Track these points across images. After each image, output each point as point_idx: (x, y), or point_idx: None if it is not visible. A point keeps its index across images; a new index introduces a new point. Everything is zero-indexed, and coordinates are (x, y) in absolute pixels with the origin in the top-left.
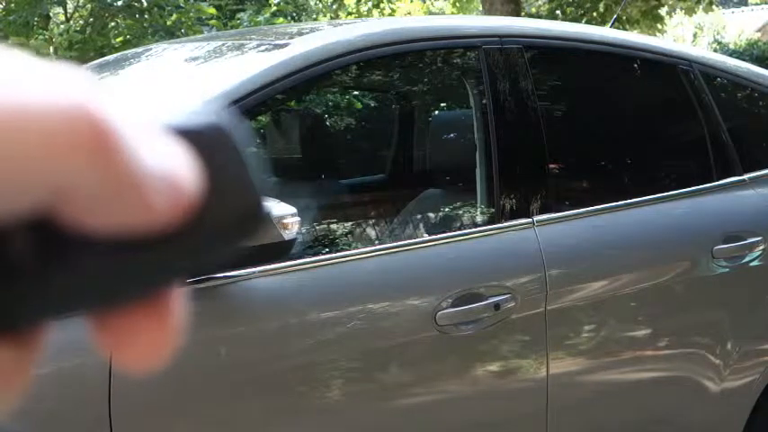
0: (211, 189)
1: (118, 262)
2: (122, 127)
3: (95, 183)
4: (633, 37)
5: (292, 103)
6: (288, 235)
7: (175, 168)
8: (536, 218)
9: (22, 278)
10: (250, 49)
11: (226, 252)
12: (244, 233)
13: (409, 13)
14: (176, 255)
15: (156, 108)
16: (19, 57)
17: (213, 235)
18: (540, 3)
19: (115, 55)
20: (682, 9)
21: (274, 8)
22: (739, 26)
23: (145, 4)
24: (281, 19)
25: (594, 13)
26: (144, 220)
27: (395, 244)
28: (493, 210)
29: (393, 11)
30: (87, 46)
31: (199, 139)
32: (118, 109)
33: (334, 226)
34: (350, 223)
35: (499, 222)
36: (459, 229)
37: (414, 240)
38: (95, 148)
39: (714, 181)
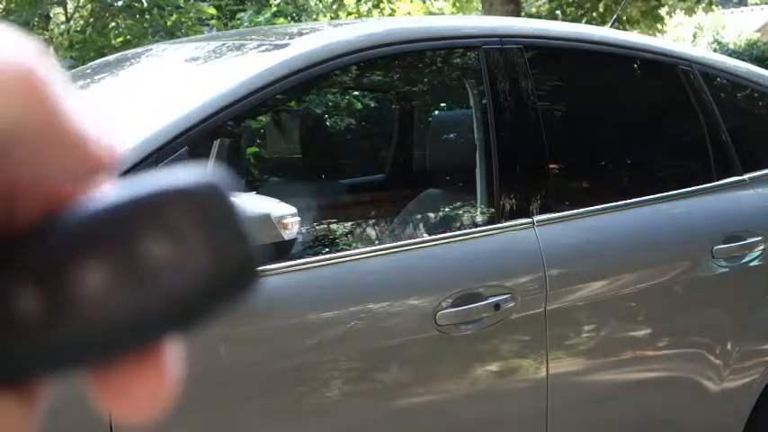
0: (206, 245)
1: (113, 314)
2: (50, 74)
3: (34, 123)
4: (633, 37)
5: (292, 104)
6: (288, 235)
7: (102, 126)
8: (536, 218)
9: (18, 329)
10: (250, 50)
11: (219, 307)
12: (236, 288)
13: (409, 13)
14: (172, 310)
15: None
16: None
17: (206, 290)
18: (540, 3)
19: (115, 55)
20: (682, 9)
21: (275, 8)
22: (739, 26)
23: (145, 4)
24: (281, 19)
25: (594, 13)
26: (83, 165)
27: (395, 244)
28: (493, 210)
29: (393, 11)
30: (87, 46)
31: (190, 195)
32: (44, 60)
33: (334, 226)
34: (350, 223)
35: (499, 222)
36: (459, 229)
37: (414, 240)
38: (29, 89)
39: (714, 181)
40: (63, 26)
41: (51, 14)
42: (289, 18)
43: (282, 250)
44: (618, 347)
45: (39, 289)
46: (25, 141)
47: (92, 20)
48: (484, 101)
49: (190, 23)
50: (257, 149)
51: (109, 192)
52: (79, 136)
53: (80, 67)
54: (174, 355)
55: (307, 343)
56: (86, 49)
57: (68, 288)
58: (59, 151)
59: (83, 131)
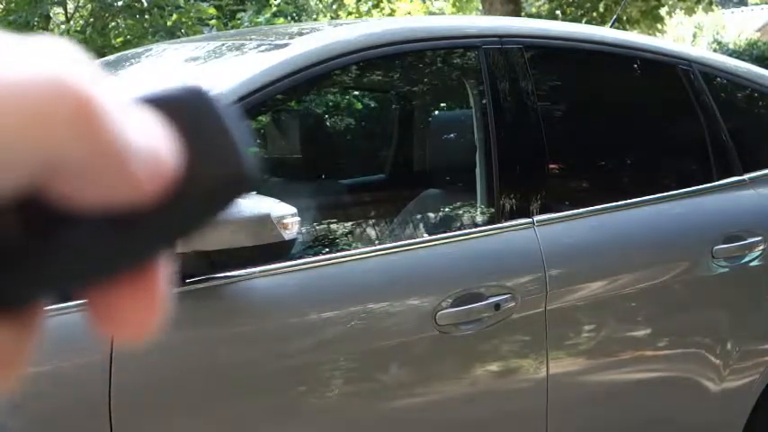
0: (193, 155)
1: (105, 236)
2: (105, 100)
3: (81, 155)
4: (633, 37)
5: (292, 104)
6: (288, 235)
7: (156, 141)
8: (536, 218)
9: (14, 256)
10: (250, 50)
11: (212, 218)
12: (229, 198)
13: (409, 13)
14: (162, 226)
15: (135, 84)
16: None
17: (198, 202)
18: (540, 3)
19: (115, 55)
20: (682, 9)
21: (275, 9)
22: (739, 26)
23: (145, 4)
24: (281, 19)
25: (594, 13)
26: (128, 192)
27: (395, 244)
28: (493, 210)
29: (393, 11)
30: (87, 46)
31: (177, 105)
32: (100, 83)
33: (334, 226)
34: (350, 223)
35: (499, 222)
36: (460, 229)
37: (414, 240)
38: (80, 119)
39: (714, 181)
40: (63, 26)
41: (51, 14)
42: (289, 18)
43: (282, 250)
44: (618, 347)
45: (25, 214)
46: (70, 169)
47: (92, 20)
48: (484, 101)
49: (190, 23)
50: (257, 149)
51: None
52: (127, 166)
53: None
54: (165, 271)
55: (307, 343)
56: (86, 49)
57: (56, 210)
58: (105, 180)
59: (131, 160)
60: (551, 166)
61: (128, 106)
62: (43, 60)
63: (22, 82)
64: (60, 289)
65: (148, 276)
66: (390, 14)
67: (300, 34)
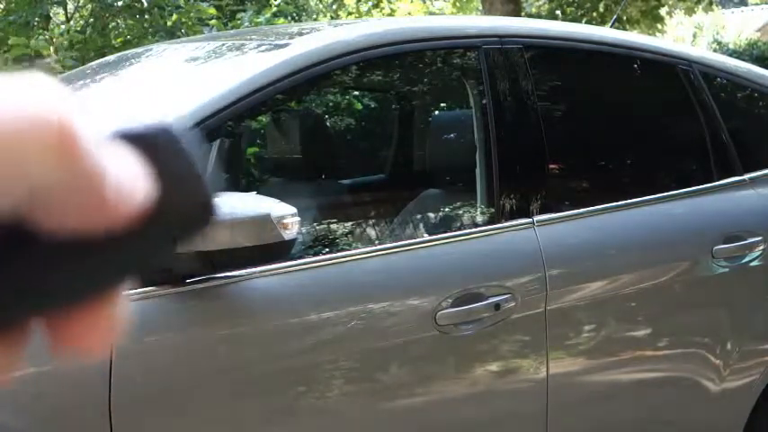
0: (162, 186)
1: (75, 261)
2: (84, 133)
3: (60, 182)
4: (633, 37)
5: (293, 104)
6: (288, 235)
7: (129, 172)
8: (536, 218)
9: None
10: (250, 50)
11: (176, 246)
12: (194, 227)
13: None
14: (130, 252)
15: (108, 116)
16: None
17: (164, 231)
18: (540, 3)
19: (115, 55)
20: (682, 9)
21: (275, 9)
22: (739, 26)
23: (145, 4)
24: (281, 19)
25: (594, 13)
26: (101, 219)
27: (395, 244)
28: (493, 210)
29: (393, 11)
30: (88, 46)
31: (147, 139)
32: (80, 117)
33: (334, 226)
34: (350, 223)
35: (499, 222)
36: (459, 229)
37: (414, 240)
38: (60, 150)
39: (714, 181)
40: (63, 26)
41: (51, 14)
42: (289, 18)
43: (282, 250)
44: (618, 347)
45: (4, 239)
46: (49, 196)
47: (92, 20)
48: (484, 101)
49: (190, 23)
50: (257, 149)
51: None
52: (102, 194)
53: (80, 67)
54: (124, 299)
55: (306, 343)
56: (86, 49)
57: (33, 235)
58: (81, 207)
59: (107, 189)
60: (551, 166)
61: (104, 139)
62: (26, 95)
63: (7, 115)
64: (30, 309)
65: (109, 300)
66: (390, 14)
67: (300, 34)
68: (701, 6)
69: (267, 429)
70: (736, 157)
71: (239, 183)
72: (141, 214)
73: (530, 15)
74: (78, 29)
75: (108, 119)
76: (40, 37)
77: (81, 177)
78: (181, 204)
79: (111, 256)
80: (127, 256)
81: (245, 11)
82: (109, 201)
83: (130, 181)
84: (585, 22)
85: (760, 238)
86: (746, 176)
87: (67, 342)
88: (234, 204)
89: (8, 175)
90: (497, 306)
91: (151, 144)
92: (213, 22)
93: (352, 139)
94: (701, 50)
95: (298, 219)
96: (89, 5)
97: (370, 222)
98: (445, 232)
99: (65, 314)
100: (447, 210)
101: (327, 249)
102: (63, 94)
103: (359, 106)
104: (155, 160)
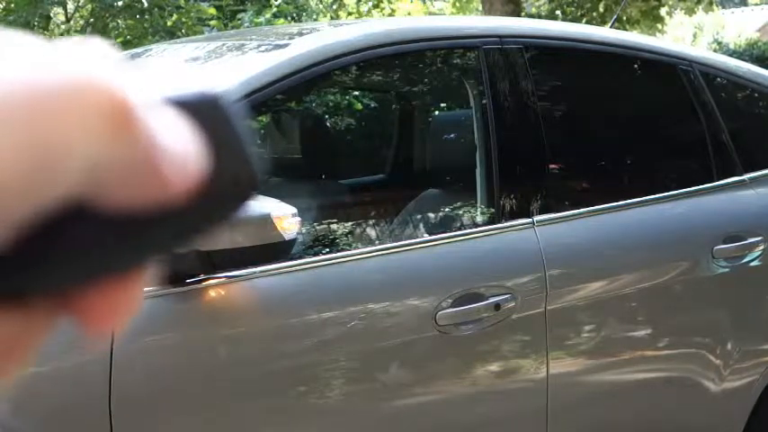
0: (212, 157)
1: (122, 236)
2: (137, 100)
3: (116, 157)
4: (633, 37)
5: (293, 104)
6: (288, 235)
7: (184, 142)
8: (536, 218)
9: (32, 251)
10: (250, 50)
11: (222, 221)
12: (240, 199)
13: (409, 14)
14: (178, 226)
15: (157, 83)
16: (27, 40)
17: (212, 204)
18: (540, 3)
19: None
20: (682, 9)
21: (275, 9)
22: (739, 26)
23: (145, 4)
24: (281, 20)
25: (594, 13)
26: (157, 193)
27: (395, 244)
28: (493, 210)
29: (393, 11)
30: None
31: (197, 107)
32: (131, 83)
33: (334, 226)
34: (350, 223)
35: (499, 222)
36: (460, 229)
37: (414, 240)
38: (114, 122)
39: (714, 181)
40: (63, 26)
41: (51, 14)
42: (289, 18)
43: (282, 250)
44: (618, 347)
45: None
46: (106, 171)
47: (92, 20)
48: (484, 101)
49: (190, 23)
50: (257, 149)
51: None
52: (158, 166)
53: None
54: (148, 275)
55: (307, 343)
56: None
57: (86, 211)
58: (137, 181)
59: (163, 161)
60: (551, 166)
61: (157, 106)
62: (74, 62)
63: (57, 85)
64: (65, 284)
65: (135, 280)
66: (390, 14)
67: (300, 34)
68: (701, 6)
69: (267, 429)
70: (737, 158)
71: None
72: (194, 188)
73: (530, 15)
74: (78, 29)
75: (157, 85)
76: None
77: (136, 149)
78: (229, 177)
79: (158, 230)
80: (174, 230)
81: (245, 11)
82: (165, 173)
83: (185, 152)
84: (585, 22)
85: (760, 238)
86: (746, 176)
87: (92, 317)
88: None
89: (58, 147)
90: (497, 306)
91: (201, 110)
92: (213, 22)
93: (352, 139)
94: (701, 50)
95: (298, 219)
96: (89, 5)
97: (371, 222)
98: (445, 232)
99: (96, 289)
100: (447, 210)
101: (327, 249)
102: (112, 58)
103: (359, 106)
104: (207, 130)
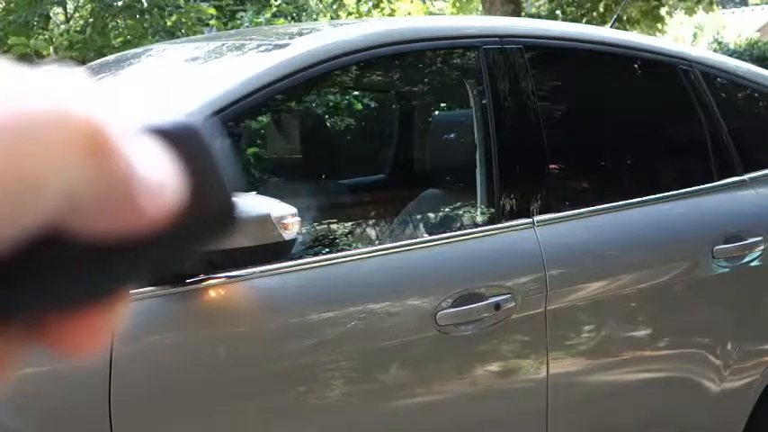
0: (189, 189)
1: (96, 263)
2: (115, 128)
3: (93, 184)
4: (633, 37)
5: (293, 104)
6: (288, 235)
7: (162, 171)
8: (536, 218)
9: (13, 276)
10: (250, 50)
11: (196, 252)
12: (216, 233)
13: (409, 14)
14: (152, 255)
15: (135, 110)
16: (5, 67)
17: (186, 235)
18: (540, 3)
19: (115, 55)
20: (682, 9)
21: (275, 9)
22: (739, 26)
23: (145, 4)
24: (281, 20)
25: (594, 13)
26: (132, 222)
27: (395, 244)
28: (493, 210)
29: (393, 11)
30: (87, 46)
31: (173, 139)
32: (108, 110)
33: (334, 226)
34: (350, 223)
35: (499, 222)
36: (459, 229)
37: (414, 240)
38: (92, 147)
39: (714, 181)
40: (63, 26)
41: (51, 14)
42: (289, 18)
43: (282, 250)
44: (618, 347)
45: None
46: (83, 199)
47: (92, 20)
48: (484, 101)
49: (190, 23)
50: (257, 149)
51: None
52: (135, 195)
53: (80, 68)
54: (125, 302)
55: (307, 343)
56: (86, 49)
57: (61, 238)
58: (112, 209)
59: (139, 189)
60: (551, 166)
61: (134, 135)
62: (52, 91)
63: (42, 117)
64: (41, 309)
65: (117, 301)
66: (390, 14)
67: (300, 34)
68: (701, 6)
69: (267, 429)
70: (737, 157)
71: (239, 183)
72: (170, 215)
73: (530, 15)
74: (78, 29)
75: (135, 113)
76: (40, 37)
77: (113, 177)
78: (207, 205)
79: (132, 258)
80: (148, 259)
81: (245, 11)
82: (141, 202)
83: (161, 181)
84: (585, 22)
85: (760, 238)
86: (746, 176)
87: (65, 344)
88: None
89: (36, 176)
90: (497, 306)
91: (181, 141)
92: (213, 22)
93: (352, 139)
94: (701, 50)
95: (298, 219)
96: (89, 5)
97: (371, 222)
98: (445, 232)
99: (71, 315)
100: (447, 210)
101: (327, 249)
102: (89, 86)
103: (359, 106)
104: (185, 159)
